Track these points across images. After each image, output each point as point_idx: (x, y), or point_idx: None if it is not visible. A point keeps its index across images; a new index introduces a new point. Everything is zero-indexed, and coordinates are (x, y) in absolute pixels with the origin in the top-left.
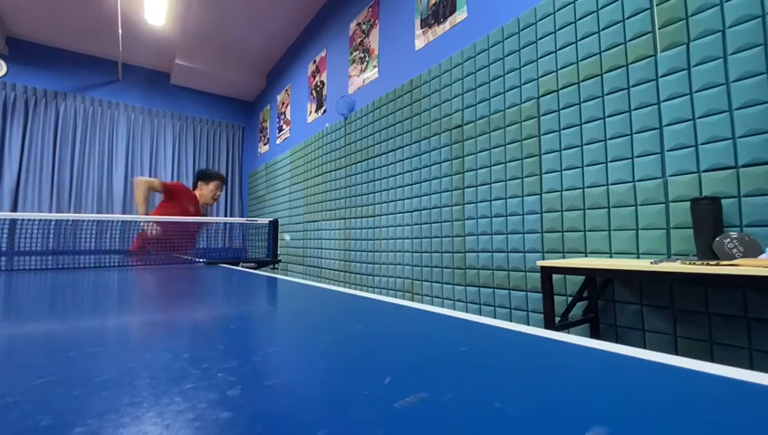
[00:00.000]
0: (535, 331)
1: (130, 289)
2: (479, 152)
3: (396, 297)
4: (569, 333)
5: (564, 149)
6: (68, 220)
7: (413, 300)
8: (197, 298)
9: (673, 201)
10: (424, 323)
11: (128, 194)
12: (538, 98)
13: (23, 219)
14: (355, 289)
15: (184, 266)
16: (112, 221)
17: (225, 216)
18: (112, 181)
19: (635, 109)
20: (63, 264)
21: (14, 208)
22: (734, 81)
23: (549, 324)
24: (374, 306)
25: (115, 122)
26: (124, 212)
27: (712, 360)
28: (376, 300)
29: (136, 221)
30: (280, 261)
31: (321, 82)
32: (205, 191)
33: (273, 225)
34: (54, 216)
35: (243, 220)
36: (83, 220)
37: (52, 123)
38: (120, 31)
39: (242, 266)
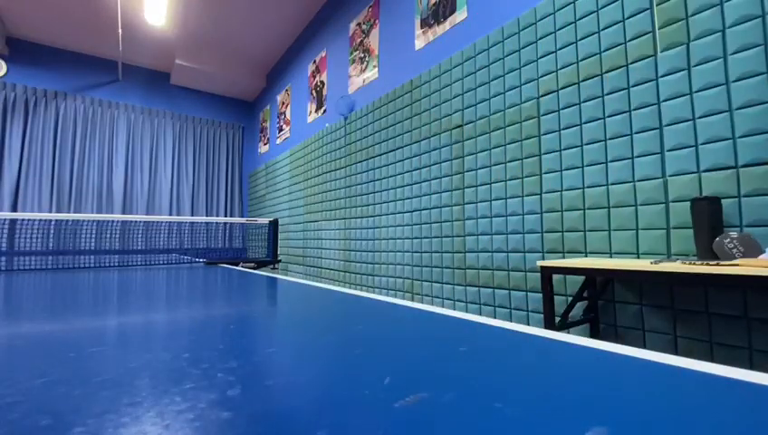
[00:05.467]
0: (535, 331)
1: (130, 289)
2: (479, 152)
3: (396, 297)
4: (569, 333)
5: (564, 149)
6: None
7: (413, 300)
8: (197, 298)
9: (673, 201)
10: (424, 323)
11: (127, 194)
12: (538, 98)
13: (23, 219)
14: (355, 289)
15: (184, 266)
16: (112, 221)
17: (225, 216)
18: (112, 181)
19: (635, 109)
20: (63, 264)
21: (14, 208)
22: (734, 81)
23: (549, 324)
24: (374, 306)
25: (115, 122)
26: (124, 212)
27: (712, 360)
28: (376, 300)
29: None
30: (280, 261)
31: (321, 82)
32: None
33: (273, 225)
34: (54, 216)
35: (243, 220)
36: (83, 220)
37: (52, 123)
38: (120, 31)
39: (242, 266)
